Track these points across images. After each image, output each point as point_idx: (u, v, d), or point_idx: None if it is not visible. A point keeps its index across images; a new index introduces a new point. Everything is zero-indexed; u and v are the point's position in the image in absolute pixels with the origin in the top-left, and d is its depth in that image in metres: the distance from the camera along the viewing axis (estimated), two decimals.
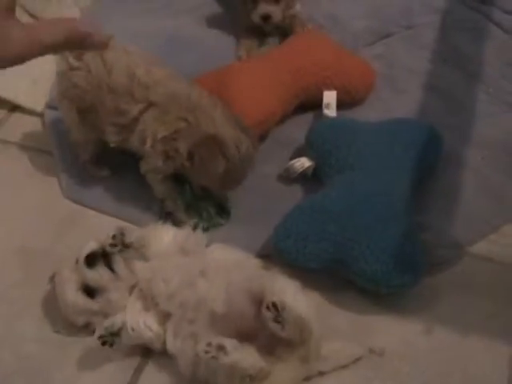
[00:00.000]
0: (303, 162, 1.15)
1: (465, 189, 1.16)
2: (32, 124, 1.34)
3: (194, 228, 1.06)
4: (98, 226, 1.11)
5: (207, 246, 1.03)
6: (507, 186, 1.17)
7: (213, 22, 1.54)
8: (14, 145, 1.30)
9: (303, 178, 1.17)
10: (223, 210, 1.12)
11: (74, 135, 1.16)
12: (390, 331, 0.98)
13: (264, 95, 1.22)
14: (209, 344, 0.84)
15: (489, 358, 0.95)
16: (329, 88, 1.26)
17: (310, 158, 1.16)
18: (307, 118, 1.30)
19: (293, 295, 0.87)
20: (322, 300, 1.01)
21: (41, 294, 1.03)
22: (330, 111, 1.23)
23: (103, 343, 0.90)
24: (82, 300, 0.95)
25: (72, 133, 1.16)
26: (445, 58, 1.43)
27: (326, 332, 0.93)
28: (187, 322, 0.91)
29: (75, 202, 1.19)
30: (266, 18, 1.41)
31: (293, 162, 1.16)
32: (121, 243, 0.94)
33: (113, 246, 0.94)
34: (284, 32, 1.48)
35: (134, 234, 0.96)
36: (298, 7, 1.48)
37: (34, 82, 1.35)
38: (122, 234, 0.95)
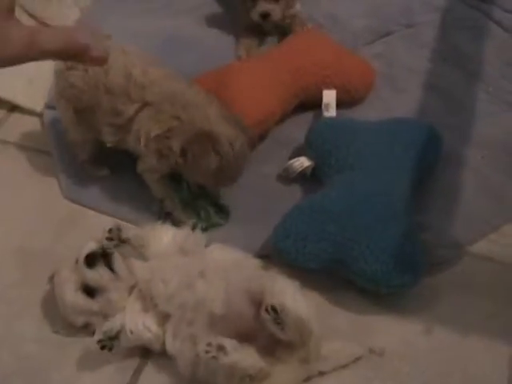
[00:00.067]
0: (302, 162, 1.15)
1: (465, 189, 1.16)
2: (31, 124, 1.34)
3: (193, 228, 1.06)
4: (97, 225, 1.10)
5: (206, 246, 1.03)
6: (507, 186, 1.16)
7: (212, 21, 1.54)
8: (14, 145, 1.30)
9: (302, 177, 1.17)
10: (222, 210, 1.12)
11: (72, 135, 1.16)
12: (390, 331, 0.98)
13: (264, 95, 1.22)
14: (209, 344, 0.84)
15: (489, 358, 0.95)
16: (328, 87, 1.26)
17: (310, 157, 1.15)
18: (307, 117, 1.30)
19: (292, 296, 0.87)
20: (322, 300, 1.01)
21: (40, 294, 1.03)
22: (330, 111, 1.23)
23: (102, 347, 0.90)
24: (81, 300, 0.95)
25: (69, 132, 1.16)
26: (445, 56, 1.43)
27: (326, 332, 0.93)
28: (186, 322, 0.91)
29: (74, 201, 1.19)
30: (266, 15, 1.41)
31: (292, 161, 1.16)
32: (117, 238, 0.95)
33: (109, 239, 0.95)
34: (283, 31, 1.48)
35: (131, 231, 0.97)
36: (297, 7, 1.48)
37: (30, 82, 1.35)
38: (119, 229, 0.95)
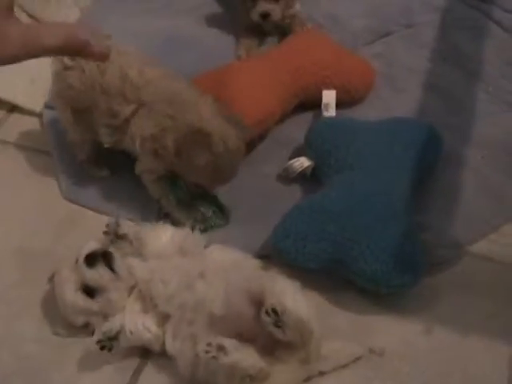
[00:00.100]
0: (302, 162, 1.15)
1: (465, 189, 1.16)
2: (31, 124, 1.34)
3: (192, 229, 1.06)
4: (96, 226, 1.10)
5: (206, 246, 1.03)
6: (507, 186, 1.16)
7: (212, 21, 1.54)
8: (13, 145, 1.30)
9: (302, 177, 1.17)
10: (222, 211, 1.12)
11: (70, 135, 1.16)
12: (390, 331, 0.98)
13: (263, 95, 1.22)
14: (209, 344, 0.84)
15: (489, 358, 0.95)
16: (328, 87, 1.26)
17: (309, 157, 1.15)
18: (307, 117, 1.30)
19: (292, 297, 0.87)
20: (322, 300, 1.01)
21: (40, 294, 1.03)
22: (330, 111, 1.23)
23: (102, 348, 0.90)
24: (81, 300, 0.94)
25: (68, 133, 1.16)
26: (444, 56, 1.43)
27: (326, 332, 0.92)
28: (186, 323, 0.90)
29: (74, 202, 1.18)
30: (266, 16, 1.40)
31: (292, 161, 1.16)
32: (114, 233, 0.96)
33: (105, 233, 0.96)
34: (283, 31, 1.47)
35: (130, 228, 0.97)
36: (297, 7, 1.48)
37: (32, 82, 1.35)
38: (117, 224, 0.96)
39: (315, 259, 1.00)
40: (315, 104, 1.27)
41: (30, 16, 1.48)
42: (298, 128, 1.25)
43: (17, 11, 0.49)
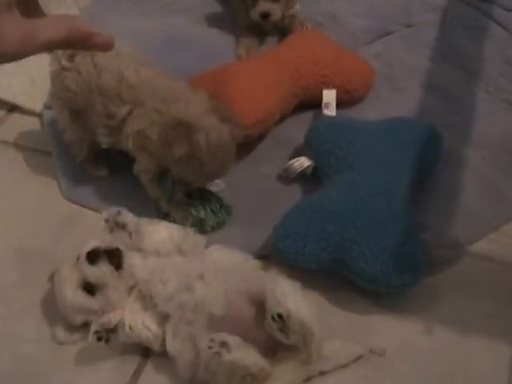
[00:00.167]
0: (302, 162, 1.15)
1: (465, 188, 1.16)
2: (31, 124, 1.34)
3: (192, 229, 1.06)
4: (96, 226, 1.10)
5: (206, 247, 1.03)
6: (507, 185, 1.16)
7: (212, 21, 1.54)
8: (13, 145, 1.30)
9: (302, 177, 1.17)
10: (221, 212, 1.11)
11: (68, 135, 1.16)
12: (390, 331, 0.98)
13: (263, 94, 1.22)
14: (212, 340, 0.84)
15: (489, 358, 0.95)
16: (328, 87, 1.26)
17: (309, 157, 1.15)
18: (306, 117, 1.30)
19: (293, 299, 0.87)
20: (322, 300, 1.01)
21: (39, 294, 1.03)
22: (330, 110, 1.23)
23: (98, 339, 0.90)
24: (80, 298, 0.94)
25: (66, 133, 1.17)
26: (444, 56, 1.43)
27: (326, 332, 0.92)
28: (186, 323, 0.90)
29: (74, 202, 1.18)
30: (266, 15, 1.40)
31: (292, 161, 1.16)
32: (114, 221, 0.97)
33: (106, 221, 0.97)
34: (283, 31, 1.48)
35: (131, 219, 0.99)
36: (297, 7, 1.48)
37: (32, 82, 1.35)
38: (119, 213, 0.97)
39: (315, 259, 1.00)
40: (315, 104, 1.27)
41: None
42: (298, 128, 1.25)
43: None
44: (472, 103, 1.32)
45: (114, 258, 0.93)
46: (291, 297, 0.87)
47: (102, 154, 1.19)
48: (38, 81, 1.34)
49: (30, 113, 1.35)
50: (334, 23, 1.49)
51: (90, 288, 0.94)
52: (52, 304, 0.99)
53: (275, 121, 1.25)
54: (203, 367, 0.87)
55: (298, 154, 1.19)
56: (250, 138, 1.21)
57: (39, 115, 1.34)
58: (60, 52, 1.08)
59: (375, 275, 0.96)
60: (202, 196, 1.11)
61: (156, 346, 0.93)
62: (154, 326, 0.92)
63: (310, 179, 1.16)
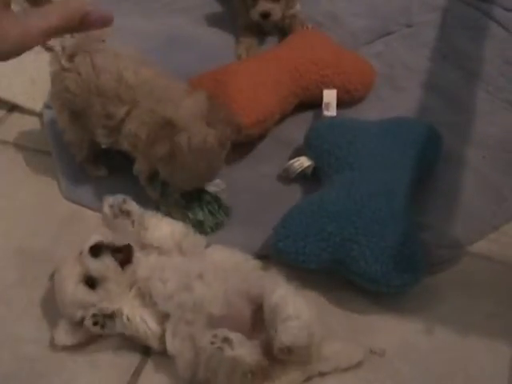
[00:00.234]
0: (302, 162, 1.15)
1: (465, 188, 1.16)
2: (31, 124, 1.34)
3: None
4: (96, 226, 1.11)
5: (206, 247, 1.03)
6: (507, 186, 1.16)
7: (212, 21, 1.54)
8: (13, 145, 1.30)
9: (302, 177, 1.17)
10: (220, 209, 1.11)
11: (68, 136, 1.16)
12: (390, 331, 0.98)
13: (263, 94, 1.22)
14: (215, 335, 0.84)
15: (489, 358, 0.95)
16: (328, 87, 1.26)
17: (310, 157, 1.15)
18: (307, 117, 1.30)
19: (293, 302, 0.86)
20: (322, 300, 1.01)
21: (39, 294, 1.03)
22: (330, 110, 1.23)
23: (94, 323, 0.91)
24: (81, 293, 0.93)
25: (66, 133, 1.17)
26: (444, 56, 1.43)
27: (326, 332, 0.92)
28: (185, 323, 0.90)
29: (74, 202, 1.18)
30: (266, 15, 1.40)
31: (292, 161, 1.16)
32: (118, 207, 0.98)
33: (110, 206, 0.98)
34: (283, 31, 1.48)
35: (136, 208, 1.00)
36: (297, 7, 1.48)
37: (32, 82, 1.35)
38: (124, 201, 0.99)
39: (315, 259, 1.00)
40: (315, 103, 1.27)
41: None
42: (298, 128, 1.25)
43: (14, 8, 0.49)
44: (472, 103, 1.32)
45: (123, 253, 0.94)
46: (290, 300, 0.86)
47: (101, 154, 1.19)
48: (38, 81, 1.34)
49: (30, 113, 1.35)
50: (334, 23, 1.49)
51: (91, 282, 0.93)
52: (52, 304, 0.98)
53: (275, 121, 1.25)
54: (203, 365, 0.87)
55: (297, 153, 1.18)
56: (250, 138, 1.21)
57: (39, 115, 1.34)
58: (60, 52, 1.08)
59: (375, 275, 0.96)
60: (200, 197, 1.10)
61: (155, 344, 0.93)
62: (153, 324, 0.92)
63: (310, 179, 1.16)
